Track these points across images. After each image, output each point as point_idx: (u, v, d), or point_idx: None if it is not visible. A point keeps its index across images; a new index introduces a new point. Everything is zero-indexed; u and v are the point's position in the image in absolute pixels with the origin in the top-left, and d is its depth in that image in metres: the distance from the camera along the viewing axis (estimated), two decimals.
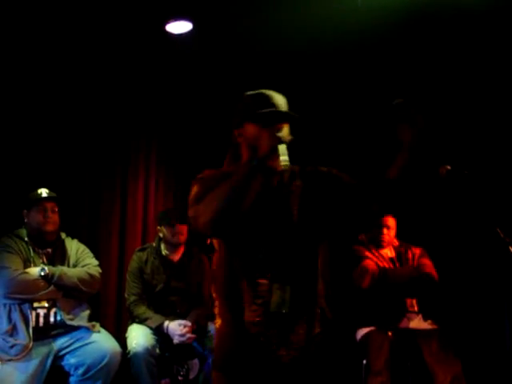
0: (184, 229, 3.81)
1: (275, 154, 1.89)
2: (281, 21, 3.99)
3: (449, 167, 2.69)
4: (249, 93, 2.12)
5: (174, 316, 3.67)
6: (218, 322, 2.04)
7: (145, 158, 4.53)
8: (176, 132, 4.67)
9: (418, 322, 3.77)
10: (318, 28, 4.08)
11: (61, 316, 3.30)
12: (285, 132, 1.98)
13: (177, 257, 3.85)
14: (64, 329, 3.30)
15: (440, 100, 4.33)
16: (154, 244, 3.88)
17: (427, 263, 3.89)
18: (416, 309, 3.82)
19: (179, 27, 4.08)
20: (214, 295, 2.08)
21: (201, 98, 4.70)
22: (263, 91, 2.09)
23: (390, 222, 3.99)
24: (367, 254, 3.89)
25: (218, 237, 2.02)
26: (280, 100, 2.08)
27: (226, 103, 4.66)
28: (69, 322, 3.30)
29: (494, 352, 3.94)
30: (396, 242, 4.03)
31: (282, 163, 1.89)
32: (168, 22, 4.04)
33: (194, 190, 2.01)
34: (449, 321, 3.90)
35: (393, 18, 3.92)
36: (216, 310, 2.06)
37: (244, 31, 4.15)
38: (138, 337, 3.51)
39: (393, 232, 4.01)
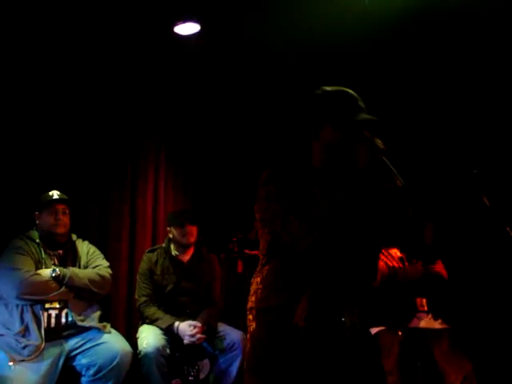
0: (194, 229, 3.82)
1: (378, 169, 1.84)
2: (288, 22, 4.00)
3: (458, 167, 2.69)
4: (329, 89, 1.98)
5: (184, 316, 3.69)
6: (253, 325, 2.01)
7: (154, 160, 4.55)
8: (185, 133, 4.69)
9: (428, 322, 3.75)
10: (326, 29, 4.09)
11: (72, 317, 3.32)
12: (380, 143, 1.90)
13: (187, 257, 3.86)
14: (75, 329, 3.33)
15: (446, 99, 4.34)
16: (164, 245, 3.90)
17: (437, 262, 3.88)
18: (426, 308, 3.80)
19: (187, 29, 4.10)
20: (251, 290, 2.04)
21: (209, 99, 4.72)
22: (347, 90, 1.97)
23: None
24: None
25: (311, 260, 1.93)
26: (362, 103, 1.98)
27: (234, 104, 4.72)
28: (80, 323, 3.33)
29: (505, 351, 3.93)
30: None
31: (402, 181, 1.86)
32: (176, 24, 4.06)
33: (270, 200, 1.93)
34: (459, 320, 3.88)
35: (400, 18, 3.93)
36: (251, 312, 2.02)
37: (251, 33, 4.15)
38: (149, 337, 3.53)
39: None
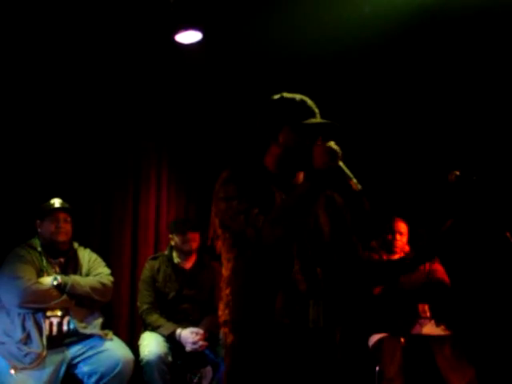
0: (196, 236, 3.83)
1: (334, 171, 1.91)
2: (289, 29, 4.02)
3: (458, 173, 2.69)
4: (288, 95, 2.08)
5: (186, 324, 3.69)
6: (230, 337, 2.00)
7: (156, 167, 4.56)
8: (187, 140, 4.70)
9: (430, 328, 3.75)
10: (327, 37, 4.11)
11: (74, 324, 3.33)
12: (335, 146, 1.96)
13: (189, 265, 3.87)
14: (77, 337, 3.34)
15: (446, 105, 4.35)
16: (166, 252, 3.91)
17: (439, 269, 3.88)
18: (428, 314, 3.80)
19: (189, 37, 4.13)
20: (222, 304, 2.06)
21: (211, 107, 4.74)
22: (304, 98, 2.08)
23: (403, 227, 3.98)
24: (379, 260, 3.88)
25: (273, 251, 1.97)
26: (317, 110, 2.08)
27: (235, 111, 4.73)
28: (82, 331, 3.33)
29: (507, 358, 3.91)
30: (407, 248, 4.02)
31: (358, 185, 1.94)
32: (178, 32, 4.09)
33: (230, 199, 1.96)
34: (462, 326, 3.87)
35: (398, 25, 3.95)
36: (226, 325, 2.03)
37: (252, 41, 4.18)
38: (151, 344, 3.53)
39: (405, 238, 4.00)
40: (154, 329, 3.65)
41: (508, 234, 2.55)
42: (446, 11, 3.81)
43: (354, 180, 1.94)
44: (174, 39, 4.11)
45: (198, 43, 4.15)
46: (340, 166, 1.94)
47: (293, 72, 4.36)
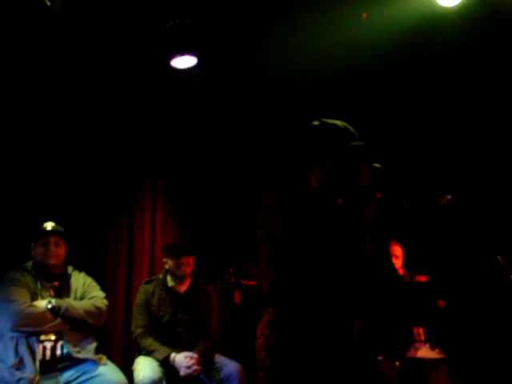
0: (190, 260, 3.84)
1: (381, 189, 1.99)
2: (283, 54, 4.09)
3: (449, 197, 2.72)
4: (329, 121, 2.16)
5: (180, 348, 3.67)
6: (268, 361, 1.99)
7: (151, 191, 4.59)
8: (182, 165, 4.75)
9: (425, 351, 3.73)
10: (322, 62, 4.18)
11: (67, 349, 3.31)
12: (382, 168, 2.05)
13: (183, 288, 3.86)
14: (71, 362, 3.31)
15: (437, 128, 4.40)
16: (161, 276, 3.90)
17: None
18: (423, 338, 3.79)
19: (184, 62, 4.17)
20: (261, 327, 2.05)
21: (206, 132, 4.78)
22: (345, 124, 2.16)
23: (397, 251, 4.00)
24: None
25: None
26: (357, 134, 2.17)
27: (230, 136, 4.79)
28: (75, 355, 3.31)
29: (503, 380, 3.89)
30: (402, 271, 4.03)
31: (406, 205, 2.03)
32: (173, 57, 4.13)
33: (284, 213, 2.00)
34: (457, 349, 3.87)
35: (391, 52, 4.02)
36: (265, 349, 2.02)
37: (248, 65, 4.24)
38: (145, 369, 3.51)
39: (400, 261, 4.01)
40: (149, 353, 3.63)
41: (499, 258, 2.56)
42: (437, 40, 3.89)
43: (404, 201, 2.05)
44: (169, 64, 4.16)
45: (194, 68, 4.20)
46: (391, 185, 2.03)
47: (288, 96, 4.42)
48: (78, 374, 3.30)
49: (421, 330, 3.81)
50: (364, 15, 4.13)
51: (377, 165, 2.03)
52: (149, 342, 3.67)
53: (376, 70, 4.27)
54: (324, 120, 2.15)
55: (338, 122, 2.15)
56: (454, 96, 4.35)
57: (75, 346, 3.34)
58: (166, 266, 3.88)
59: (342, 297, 1.99)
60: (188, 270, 3.83)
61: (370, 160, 2.06)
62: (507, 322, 3.77)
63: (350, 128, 2.15)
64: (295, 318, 1.97)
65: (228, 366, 3.67)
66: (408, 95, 4.44)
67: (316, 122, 2.16)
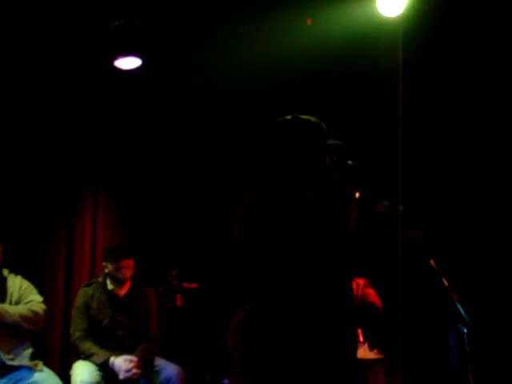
0: (129, 263, 3.79)
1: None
2: (229, 59, 4.11)
3: (386, 203, 2.79)
4: (302, 117, 2.10)
5: (120, 351, 3.62)
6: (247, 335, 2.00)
7: (93, 193, 4.52)
8: (124, 167, 4.69)
9: (363, 352, 3.82)
10: (264, 65, 4.21)
11: (0, 356, 3.22)
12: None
13: (123, 291, 3.82)
14: (4, 369, 3.22)
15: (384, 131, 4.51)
16: (100, 279, 3.84)
17: (371, 293, 3.97)
18: (361, 338, 3.87)
19: (128, 63, 4.13)
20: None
21: (149, 133, 4.75)
22: (316, 119, 2.11)
23: None
24: None
25: None
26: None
27: (173, 138, 4.77)
28: (9, 363, 3.22)
29: (440, 380, 4.04)
30: None
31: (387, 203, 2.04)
32: (117, 58, 4.09)
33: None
34: (395, 350, 3.98)
35: (334, 58, 4.10)
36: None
37: (193, 68, 4.24)
38: (83, 374, 3.45)
39: None
40: (87, 357, 3.57)
41: (432, 262, 2.66)
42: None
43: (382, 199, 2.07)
44: (113, 65, 4.11)
45: (138, 69, 4.16)
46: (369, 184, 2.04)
47: (232, 98, 4.44)
48: (12, 382, 3.21)
49: (359, 331, 3.89)
50: (309, 21, 4.20)
51: (351, 163, 2.01)
52: (87, 345, 3.61)
53: (320, 77, 4.35)
54: (297, 115, 2.10)
55: (312, 118, 2.10)
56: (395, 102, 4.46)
57: (9, 352, 3.25)
58: (106, 270, 3.82)
59: (320, 296, 1.97)
60: (128, 273, 3.79)
61: (345, 159, 2.03)
62: (443, 323, 3.90)
63: (324, 125, 2.11)
64: (272, 318, 1.94)
65: (168, 369, 3.65)
66: (352, 102, 4.53)
67: (289, 117, 2.11)
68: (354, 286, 4.02)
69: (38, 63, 4.05)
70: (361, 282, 4.05)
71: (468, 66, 4.11)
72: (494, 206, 4.09)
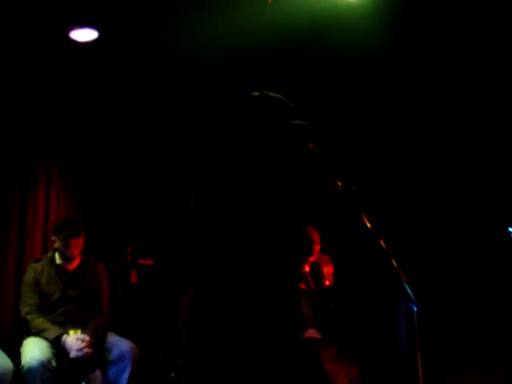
0: (79, 242, 3.73)
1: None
2: (189, 35, 4.05)
3: (339, 183, 2.82)
4: (270, 94, 2.06)
5: (71, 325, 3.59)
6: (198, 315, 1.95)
7: (46, 168, 4.42)
8: (79, 141, 4.61)
9: (312, 332, 3.87)
10: (226, 40, 4.17)
11: None
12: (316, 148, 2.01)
13: (72, 266, 3.78)
14: None
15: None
16: (50, 254, 3.79)
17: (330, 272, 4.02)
18: (311, 320, 3.91)
19: (84, 35, 4.03)
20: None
21: (105, 108, 4.66)
22: (283, 98, 2.06)
23: (316, 236, 4.03)
24: None
25: None
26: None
27: (130, 112, 4.69)
28: None
29: (389, 357, 4.14)
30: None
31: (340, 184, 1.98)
32: (72, 29, 3.98)
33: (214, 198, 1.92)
34: (344, 329, 4.06)
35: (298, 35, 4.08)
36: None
37: (150, 41, 4.16)
38: (33, 350, 3.40)
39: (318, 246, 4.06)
40: (39, 332, 3.52)
41: (381, 242, 2.70)
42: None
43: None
44: (68, 36, 4.00)
45: (94, 42, 4.07)
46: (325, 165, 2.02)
47: (189, 74, 4.38)
48: None
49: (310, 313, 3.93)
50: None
51: (313, 146, 2.00)
52: (39, 321, 3.56)
53: (284, 54, 4.32)
54: (265, 92, 2.07)
55: (279, 96, 2.07)
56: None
57: None
58: (55, 245, 3.76)
59: (271, 275, 1.96)
60: (76, 251, 3.73)
61: (306, 141, 2.02)
62: (392, 302, 4.00)
63: (291, 104, 2.08)
64: (223, 298, 1.91)
65: (120, 345, 3.63)
66: (317, 78, 4.53)
67: (256, 93, 2.07)
68: (326, 275, 4.03)
69: None
70: (331, 270, 4.05)
71: (430, 49, 4.15)
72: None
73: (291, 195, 2.00)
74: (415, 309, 2.77)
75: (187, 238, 2.02)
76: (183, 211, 2.05)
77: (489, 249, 4.17)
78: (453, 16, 3.97)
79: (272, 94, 2.08)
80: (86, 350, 3.49)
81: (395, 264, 2.70)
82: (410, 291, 2.63)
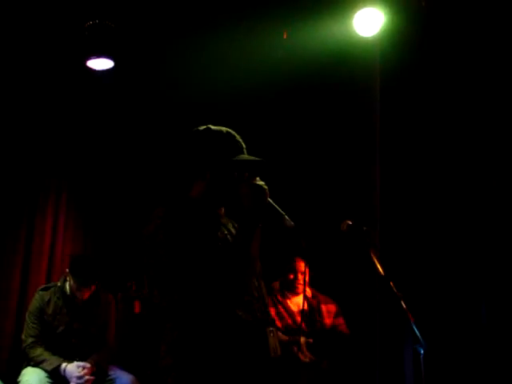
0: (92, 288, 3.66)
1: (266, 208, 1.89)
2: (202, 68, 4.09)
3: (350, 222, 2.80)
4: (215, 128, 2.03)
5: (74, 360, 3.51)
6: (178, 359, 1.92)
7: (55, 198, 4.42)
8: (89, 171, 4.61)
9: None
10: (239, 76, 4.21)
11: None
12: (262, 182, 1.95)
13: (82, 298, 3.70)
14: None
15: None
16: (59, 283, 3.70)
17: (341, 323, 4.00)
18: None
19: (100, 64, 4.08)
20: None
21: (116, 139, 4.68)
22: (231, 132, 2.04)
23: (301, 266, 4.02)
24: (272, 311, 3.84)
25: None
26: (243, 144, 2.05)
27: (140, 144, 4.71)
28: None
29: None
30: (309, 292, 4.07)
31: (290, 222, 1.93)
32: (90, 58, 4.03)
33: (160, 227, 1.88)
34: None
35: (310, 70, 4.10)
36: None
37: (164, 74, 4.21)
38: (31, 381, 3.33)
39: (305, 277, 4.04)
40: (38, 364, 3.45)
41: (392, 284, 2.67)
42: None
43: (286, 217, 1.93)
44: (85, 65, 4.05)
45: (110, 71, 4.11)
46: (270, 203, 1.93)
47: (203, 108, 4.40)
48: None
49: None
50: (285, 35, 4.21)
51: (258, 180, 1.95)
52: (38, 351, 3.49)
53: (291, 91, 4.35)
54: (210, 126, 2.04)
55: (224, 129, 2.03)
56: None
57: None
58: (68, 278, 3.65)
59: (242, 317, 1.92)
60: (87, 295, 3.65)
61: (253, 175, 1.96)
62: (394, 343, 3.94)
63: (238, 137, 2.05)
64: (198, 342, 1.87)
65: (121, 378, 3.57)
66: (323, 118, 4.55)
67: (202, 128, 2.05)
68: (325, 313, 4.00)
69: (8, 61, 3.95)
70: (332, 309, 4.04)
71: (444, 85, 4.16)
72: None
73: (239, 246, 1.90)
74: (422, 351, 2.72)
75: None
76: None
77: (498, 291, 4.11)
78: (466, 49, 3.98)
79: (216, 127, 2.05)
80: (86, 377, 3.42)
81: (404, 306, 2.67)
82: (418, 333, 2.60)
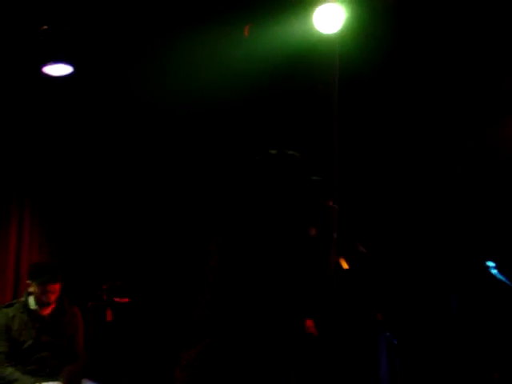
0: (56, 287, 3.59)
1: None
2: (161, 75, 4.02)
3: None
4: (288, 152, 2.06)
5: (44, 373, 3.46)
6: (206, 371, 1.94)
7: (18, 210, 4.33)
8: (51, 181, 4.52)
9: None
10: (199, 76, 4.15)
11: None
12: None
13: (47, 311, 3.62)
14: None
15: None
16: (23, 298, 3.63)
17: (310, 325, 4.00)
18: None
19: (58, 70, 3.97)
20: None
21: (78, 146, 4.60)
22: (299, 154, 2.08)
23: None
24: None
25: None
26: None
27: (103, 152, 4.63)
28: None
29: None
30: None
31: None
32: (46, 64, 3.92)
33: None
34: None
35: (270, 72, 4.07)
36: None
37: (125, 80, 4.13)
38: None
39: None
40: (9, 383, 3.38)
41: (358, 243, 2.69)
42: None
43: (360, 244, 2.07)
44: (42, 71, 3.94)
45: (68, 76, 4.01)
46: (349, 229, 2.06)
47: (162, 114, 4.36)
48: None
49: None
50: (246, 32, 4.15)
51: (330, 203, 2.03)
52: (9, 370, 3.42)
53: (255, 90, 4.31)
54: (283, 150, 2.07)
55: (297, 154, 2.08)
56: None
57: None
58: (30, 289, 3.59)
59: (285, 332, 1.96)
60: (53, 296, 3.58)
61: (325, 199, 2.05)
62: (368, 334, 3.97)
63: (307, 160, 2.09)
64: (236, 351, 1.88)
65: None
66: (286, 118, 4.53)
67: (273, 151, 2.07)
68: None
69: None
70: None
71: (403, 83, 4.18)
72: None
73: (308, 254, 2.01)
74: (395, 342, 2.75)
75: (196, 289, 2.00)
76: (158, 248, 1.98)
77: (467, 282, 4.18)
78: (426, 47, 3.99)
79: (290, 151, 2.09)
80: None
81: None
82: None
